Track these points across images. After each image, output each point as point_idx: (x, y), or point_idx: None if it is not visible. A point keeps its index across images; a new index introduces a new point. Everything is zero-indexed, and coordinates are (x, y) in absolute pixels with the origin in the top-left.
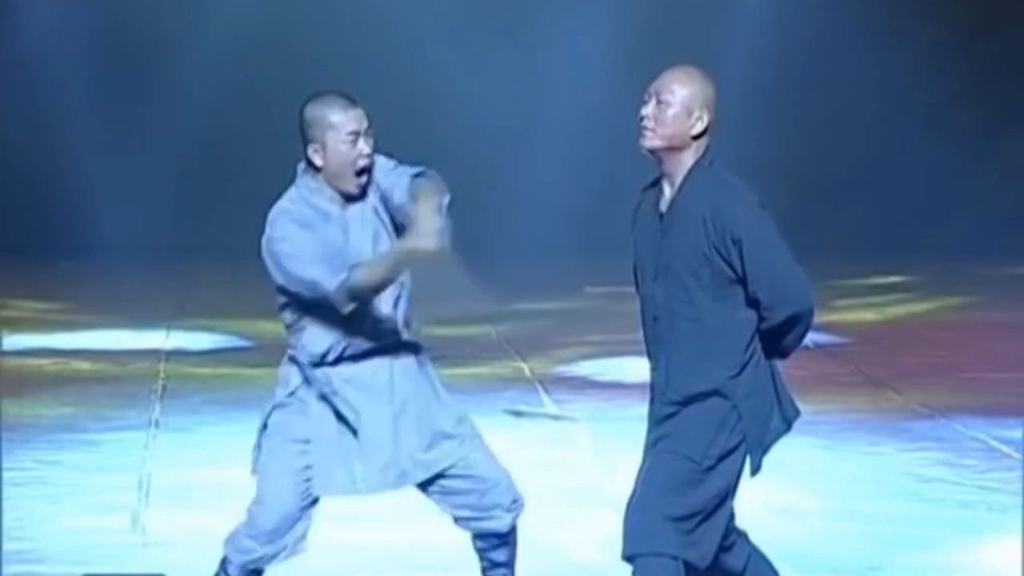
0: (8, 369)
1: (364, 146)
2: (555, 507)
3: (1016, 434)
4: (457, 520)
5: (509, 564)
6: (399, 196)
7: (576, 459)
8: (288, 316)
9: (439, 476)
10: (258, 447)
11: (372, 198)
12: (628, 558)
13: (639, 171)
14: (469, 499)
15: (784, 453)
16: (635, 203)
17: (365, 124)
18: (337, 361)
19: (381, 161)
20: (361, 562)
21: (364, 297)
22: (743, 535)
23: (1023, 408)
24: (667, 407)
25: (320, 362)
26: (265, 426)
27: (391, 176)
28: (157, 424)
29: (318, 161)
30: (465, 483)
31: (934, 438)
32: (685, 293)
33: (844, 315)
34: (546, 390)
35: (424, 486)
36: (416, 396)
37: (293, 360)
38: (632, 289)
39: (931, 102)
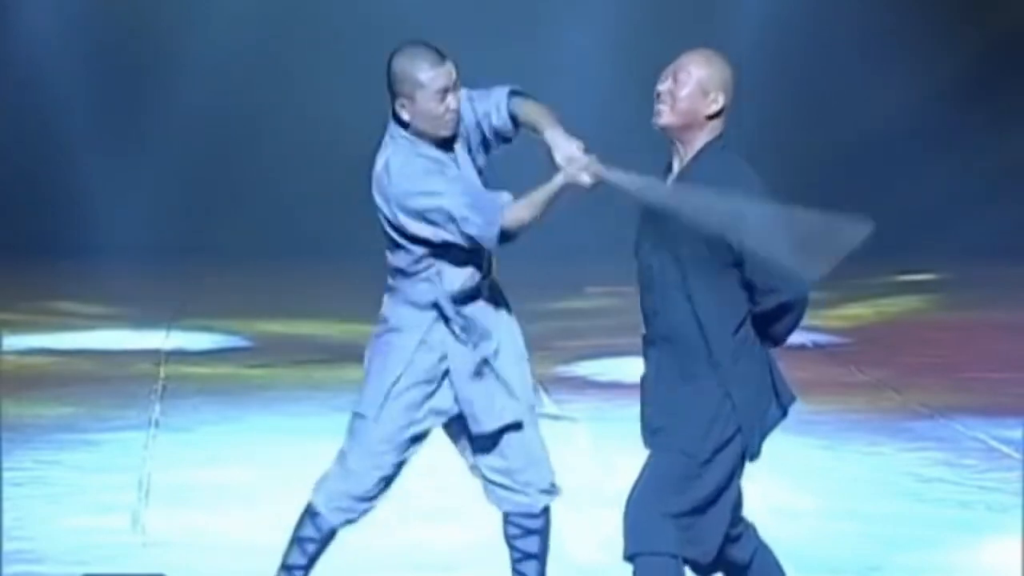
0: (8, 369)
1: (453, 101)
2: (555, 507)
3: (1016, 434)
4: (488, 489)
5: (540, 557)
6: (497, 119)
7: (576, 459)
8: (414, 262)
9: (496, 432)
10: (385, 395)
11: (462, 141)
12: (628, 558)
13: (641, 168)
14: (509, 466)
15: (783, 453)
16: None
17: (454, 77)
18: (468, 299)
19: (464, 96)
20: (360, 562)
21: (518, 235)
22: (751, 527)
23: (1023, 408)
24: (658, 384)
25: (455, 300)
26: (397, 379)
27: (478, 105)
28: (157, 424)
29: (405, 116)
30: (512, 448)
31: (934, 438)
32: (679, 269)
33: (844, 315)
34: (546, 390)
35: (471, 440)
36: (513, 334)
37: (415, 304)
38: (632, 289)
39: (931, 103)
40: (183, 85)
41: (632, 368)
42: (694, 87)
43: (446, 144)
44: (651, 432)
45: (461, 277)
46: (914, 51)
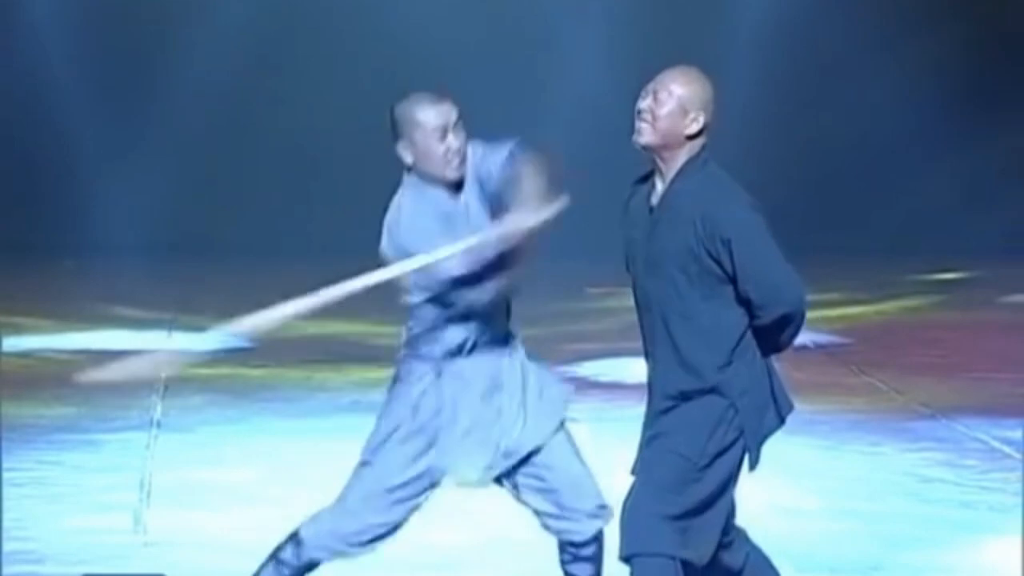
0: (8, 369)
1: (453, 139)
2: None
3: (1017, 434)
4: (539, 518)
5: None
6: (496, 175)
7: None
8: (419, 312)
9: (522, 464)
10: (383, 441)
11: (471, 188)
12: (625, 559)
13: (640, 172)
14: (549, 493)
15: (785, 453)
16: (626, 195)
17: (454, 117)
18: (470, 352)
19: (474, 148)
20: (360, 562)
21: (465, 281)
22: (742, 533)
23: (1023, 408)
24: (663, 401)
25: (456, 354)
26: (397, 427)
27: (487, 159)
28: (158, 424)
29: (408, 158)
30: (547, 476)
31: (935, 438)
32: (675, 289)
33: (844, 315)
34: None
35: (508, 476)
36: (513, 383)
37: (418, 356)
38: (632, 289)
39: (932, 102)
40: (184, 84)
41: (633, 369)
42: (675, 106)
43: (456, 187)
44: (649, 438)
45: (462, 331)
46: (917, 50)
